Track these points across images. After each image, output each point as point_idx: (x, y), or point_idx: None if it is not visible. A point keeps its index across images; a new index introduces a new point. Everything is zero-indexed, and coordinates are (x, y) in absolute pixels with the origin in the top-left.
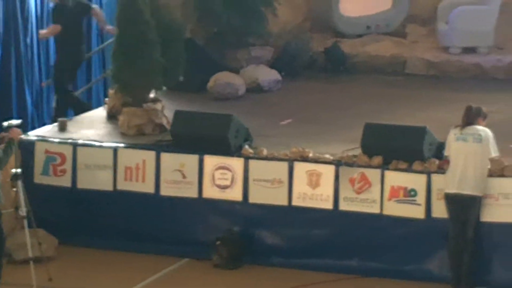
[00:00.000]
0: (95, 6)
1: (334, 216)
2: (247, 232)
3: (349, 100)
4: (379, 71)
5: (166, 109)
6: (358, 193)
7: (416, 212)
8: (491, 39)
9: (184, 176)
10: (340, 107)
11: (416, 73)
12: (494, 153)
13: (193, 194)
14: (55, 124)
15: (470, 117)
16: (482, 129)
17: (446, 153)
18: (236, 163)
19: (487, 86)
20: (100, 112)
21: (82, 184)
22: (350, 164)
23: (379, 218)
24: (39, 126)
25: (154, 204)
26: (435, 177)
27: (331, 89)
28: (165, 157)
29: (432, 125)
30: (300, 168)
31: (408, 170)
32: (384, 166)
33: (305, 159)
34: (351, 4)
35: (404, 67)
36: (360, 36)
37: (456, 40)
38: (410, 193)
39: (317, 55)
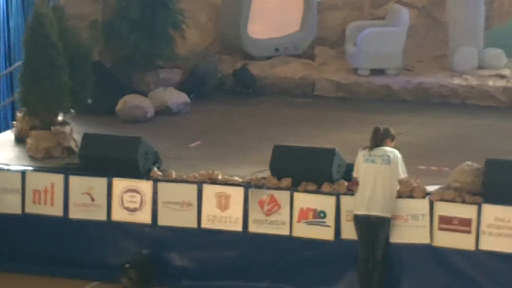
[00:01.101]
0: None
1: (244, 238)
2: (156, 255)
3: (258, 122)
4: (288, 93)
5: (75, 132)
6: (268, 215)
7: (326, 233)
8: (400, 61)
9: (92, 199)
10: (249, 129)
11: (325, 95)
12: (402, 174)
13: (102, 217)
14: None
15: (379, 139)
16: (391, 151)
17: (355, 174)
18: (145, 186)
19: (395, 108)
20: (8, 136)
21: None
22: (259, 186)
23: (288, 240)
24: None
25: (63, 227)
26: (344, 199)
27: (240, 111)
28: (74, 180)
29: (341, 147)
30: (209, 191)
31: (317, 191)
32: (293, 188)
33: (214, 181)
34: (259, 26)
35: (313, 89)
36: (269, 58)
37: (364, 62)
38: (319, 215)
39: (226, 77)
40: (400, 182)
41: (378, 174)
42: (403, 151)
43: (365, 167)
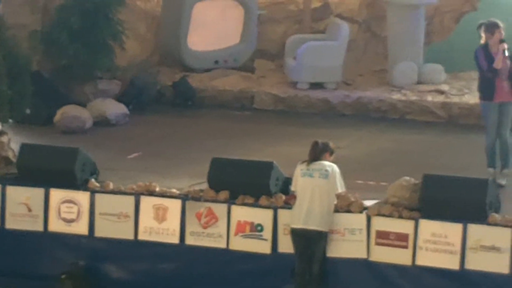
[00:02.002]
0: None
1: (181, 251)
2: (92, 266)
3: (197, 135)
4: (227, 106)
5: (12, 142)
6: (205, 227)
7: (263, 247)
8: (339, 75)
9: (29, 210)
10: (187, 142)
11: (264, 108)
12: (340, 188)
13: (39, 227)
14: None
15: (317, 153)
16: (329, 165)
17: (292, 188)
18: (82, 197)
19: (334, 122)
20: None
21: None
22: (197, 199)
23: (225, 253)
24: None
25: None
26: (281, 212)
27: (178, 123)
28: (11, 190)
29: (279, 160)
30: (147, 202)
31: (254, 205)
32: (231, 200)
33: (151, 193)
34: (199, 38)
35: (252, 101)
36: (208, 70)
37: (304, 76)
38: (257, 228)
39: (165, 89)
40: (338, 196)
41: (316, 188)
42: (341, 165)
43: (303, 181)
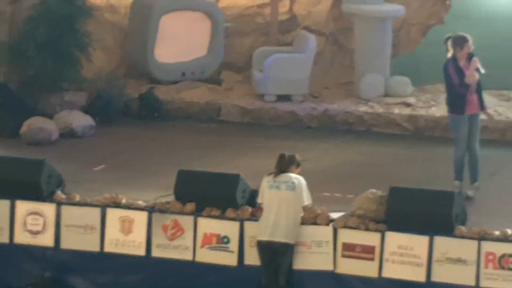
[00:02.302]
0: None
1: (147, 263)
2: (58, 278)
3: (163, 147)
4: (194, 118)
5: None
6: (171, 239)
7: (229, 259)
8: (306, 87)
9: None
10: (154, 154)
11: (230, 120)
12: (307, 201)
13: (4, 239)
14: None
15: (284, 165)
16: (296, 177)
17: (259, 200)
18: (48, 209)
19: (301, 134)
20: None
21: None
22: (163, 211)
23: (192, 265)
24: None
25: None
26: (248, 225)
27: (145, 136)
28: None
29: (246, 173)
30: (113, 214)
31: (221, 217)
32: (197, 213)
33: (118, 205)
34: (166, 50)
35: (219, 114)
36: (175, 82)
37: (270, 88)
38: (223, 240)
39: (132, 101)
40: (305, 208)
41: (283, 201)
42: (308, 177)
43: (269, 193)
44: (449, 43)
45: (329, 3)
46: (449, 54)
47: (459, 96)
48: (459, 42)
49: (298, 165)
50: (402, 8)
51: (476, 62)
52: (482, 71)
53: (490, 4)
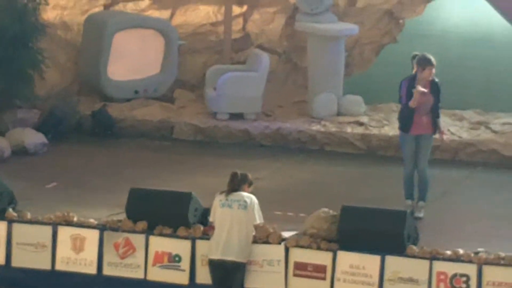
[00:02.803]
0: None
1: (98, 281)
2: None
3: (116, 165)
4: (147, 136)
5: None
6: (123, 258)
7: (180, 277)
8: (259, 106)
9: None
10: (106, 172)
11: (183, 138)
12: (259, 219)
13: None
14: None
15: (236, 184)
16: (248, 196)
17: (211, 219)
18: None
19: (254, 153)
20: None
21: None
22: (114, 229)
23: (143, 284)
24: None
25: None
26: (199, 243)
27: (97, 153)
28: None
29: (198, 191)
30: (64, 232)
31: (172, 235)
32: (149, 231)
33: (69, 223)
34: (119, 68)
35: (172, 132)
36: (128, 100)
37: (224, 106)
38: (175, 259)
39: (85, 118)
40: (256, 227)
41: (235, 219)
42: (260, 196)
43: (221, 212)
44: (415, 61)
45: (282, 21)
46: (414, 71)
47: (406, 114)
48: (422, 63)
49: (250, 183)
50: (356, 27)
51: (420, 89)
52: (425, 90)
53: (444, 24)
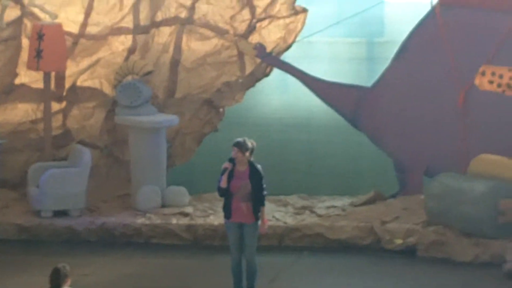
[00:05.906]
0: None
1: None
2: None
3: None
4: None
5: None
6: None
7: None
8: (83, 202)
9: None
10: None
11: (7, 238)
12: None
13: None
14: None
15: (58, 280)
16: None
17: None
18: None
19: (80, 249)
20: None
21: None
22: None
23: None
24: None
25: None
26: None
27: None
28: None
29: None
30: None
31: None
32: None
33: None
34: None
35: None
36: None
37: (47, 204)
38: None
39: None
40: None
41: None
42: None
43: None
44: None
45: (102, 116)
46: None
47: (226, 200)
48: (233, 146)
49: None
50: (176, 117)
51: (227, 166)
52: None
53: (263, 110)
